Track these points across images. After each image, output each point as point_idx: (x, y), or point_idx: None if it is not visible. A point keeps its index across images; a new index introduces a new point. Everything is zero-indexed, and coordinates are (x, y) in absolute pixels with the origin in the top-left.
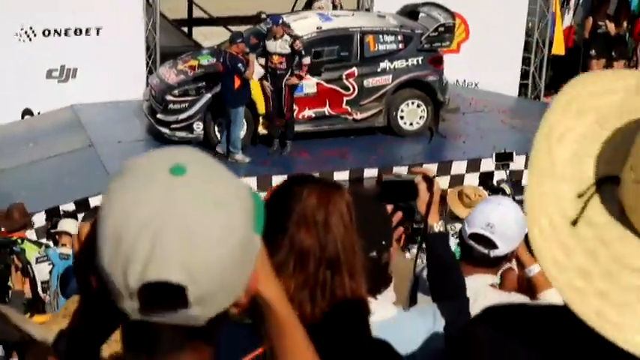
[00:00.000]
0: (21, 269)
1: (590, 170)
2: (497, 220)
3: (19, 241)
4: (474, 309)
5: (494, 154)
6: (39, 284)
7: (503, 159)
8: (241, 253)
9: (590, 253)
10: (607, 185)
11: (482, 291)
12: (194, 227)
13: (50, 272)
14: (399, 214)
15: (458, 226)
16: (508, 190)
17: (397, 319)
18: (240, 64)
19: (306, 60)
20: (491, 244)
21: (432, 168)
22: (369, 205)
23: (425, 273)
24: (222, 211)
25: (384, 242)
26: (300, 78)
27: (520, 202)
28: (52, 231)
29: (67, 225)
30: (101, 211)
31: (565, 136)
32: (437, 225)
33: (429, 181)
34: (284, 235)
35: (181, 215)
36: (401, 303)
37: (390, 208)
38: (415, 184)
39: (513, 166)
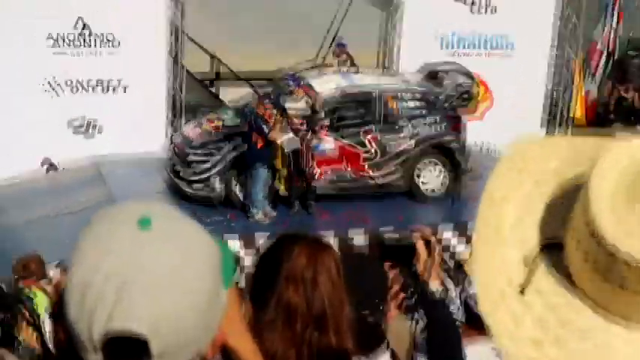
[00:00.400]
0: (27, 319)
1: (534, 235)
2: None
3: (29, 291)
4: None
5: None
6: (47, 335)
7: None
8: (206, 308)
9: (539, 321)
10: (551, 250)
11: (484, 356)
12: (159, 281)
13: None
14: (395, 272)
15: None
16: None
17: None
18: (264, 125)
19: (325, 121)
20: None
21: (447, 228)
22: (365, 264)
23: (424, 336)
24: (187, 266)
25: (377, 300)
26: (318, 138)
27: None
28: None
29: None
30: (71, 262)
31: (507, 199)
32: (436, 288)
33: (428, 242)
34: (272, 292)
35: (147, 269)
36: None
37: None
38: (415, 246)
39: None
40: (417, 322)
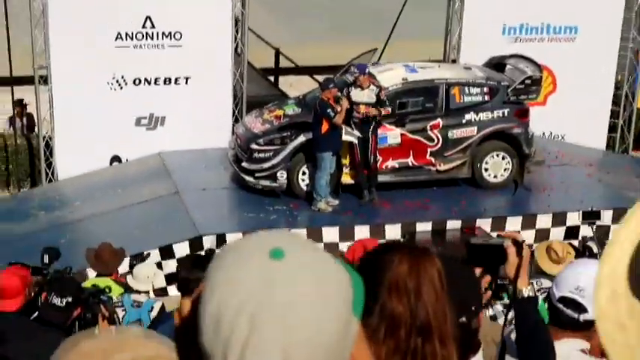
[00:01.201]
0: (107, 318)
1: None
2: (586, 283)
3: (107, 289)
4: None
5: (581, 212)
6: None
7: (590, 217)
8: (339, 339)
9: None
10: None
11: (572, 356)
12: (293, 314)
13: (122, 318)
14: (487, 278)
15: (544, 281)
16: (595, 249)
17: None
18: (329, 110)
19: (388, 109)
20: (581, 308)
21: (516, 221)
22: (458, 269)
23: (513, 337)
24: (320, 296)
25: (473, 308)
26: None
27: None
28: (129, 283)
29: (140, 281)
30: (203, 290)
31: None
32: (526, 289)
33: (519, 245)
34: (375, 301)
35: (280, 302)
36: None
37: (478, 270)
38: (504, 248)
39: (600, 223)
40: (508, 324)
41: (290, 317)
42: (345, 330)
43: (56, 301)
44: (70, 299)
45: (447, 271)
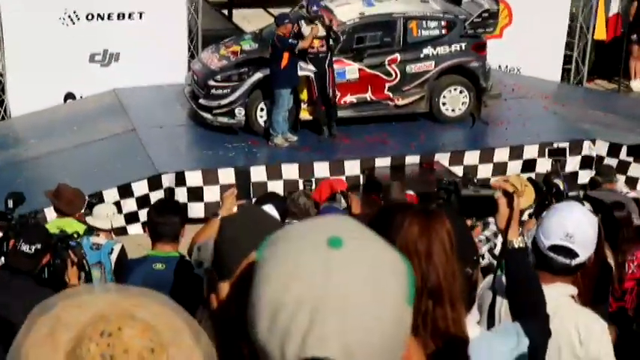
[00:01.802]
0: (76, 264)
1: None
2: (574, 228)
3: (76, 234)
4: (554, 322)
5: (547, 150)
6: (97, 281)
7: (557, 154)
8: (395, 328)
9: None
10: None
11: (562, 303)
12: (352, 305)
13: None
14: (477, 229)
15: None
16: (561, 186)
17: (482, 339)
18: (290, 40)
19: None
20: (572, 254)
21: (474, 155)
22: (456, 221)
23: (503, 288)
24: (379, 287)
25: (475, 257)
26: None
27: (574, 198)
28: (88, 221)
29: (100, 219)
30: (255, 279)
31: None
32: (517, 240)
33: (509, 196)
34: None
35: (340, 292)
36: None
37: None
38: (495, 199)
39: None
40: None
41: (349, 307)
42: (400, 319)
43: (25, 248)
44: (38, 246)
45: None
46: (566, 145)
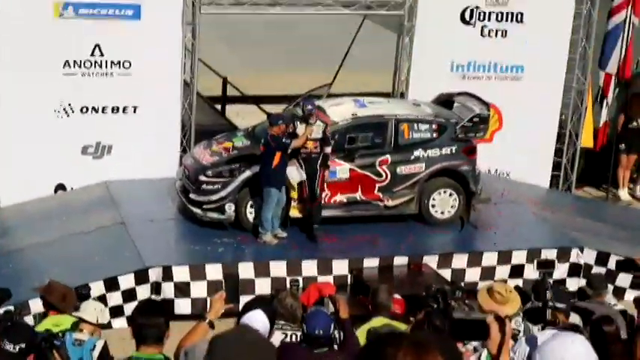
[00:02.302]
0: None
1: None
2: (572, 358)
3: (60, 334)
4: None
5: (535, 262)
6: None
7: (545, 267)
8: None
9: None
10: None
11: None
12: None
13: None
14: (467, 352)
15: None
16: (549, 295)
17: None
18: (284, 139)
19: (328, 149)
20: None
21: (462, 258)
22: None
23: None
24: None
25: None
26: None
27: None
28: (74, 314)
29: (87, 313)
30: None
31: None
32: None
33: (501, 321)
34: None
35: None
36: None
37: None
38: (487, 323)
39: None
40: None
41: None
42: None
43: (9, 347)
44: (23, 345)
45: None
46: (554, 257)
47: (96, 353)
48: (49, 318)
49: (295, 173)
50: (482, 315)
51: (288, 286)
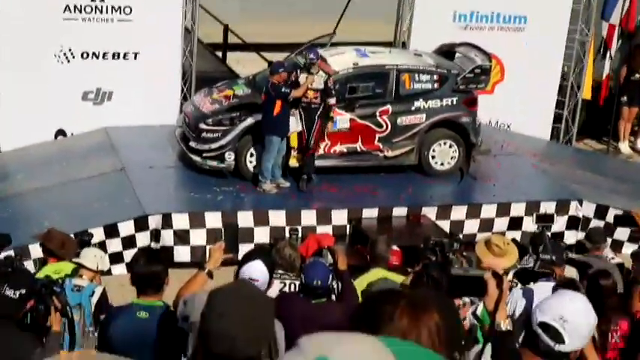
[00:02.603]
0: (60, 310)
1: None
2: (571, 315)
3: (60, 280)
4: None
5: (534, 216)
6: (76, 324)
7: (544, 220)
8: None
9: None
10: None
11: None
12: None
13: None
14: (465, 309)
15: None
16: (541, 249)
17: None
18: (284, 89)
19: (332, 100)
20: (559, 339)
21: (461, 210)
22: (445, 305)
23: None
24: None
25: (463, 342)
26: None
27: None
28: (74, 260)
29: (87, 259)
30: None
31: None
32: (504, 323)
33: (499, 277)
34: None
35: None
36: None
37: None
38: (484, 280)
39: (543, 211)
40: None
41: None
42: None
43: (9, 292)
44: (23, 291)
45: (435, 305)
46: (553, 209)
47: (94, 299)
48: (49, 265)
49: (293, 123)
50: (479, 271)
51: (287, 235)
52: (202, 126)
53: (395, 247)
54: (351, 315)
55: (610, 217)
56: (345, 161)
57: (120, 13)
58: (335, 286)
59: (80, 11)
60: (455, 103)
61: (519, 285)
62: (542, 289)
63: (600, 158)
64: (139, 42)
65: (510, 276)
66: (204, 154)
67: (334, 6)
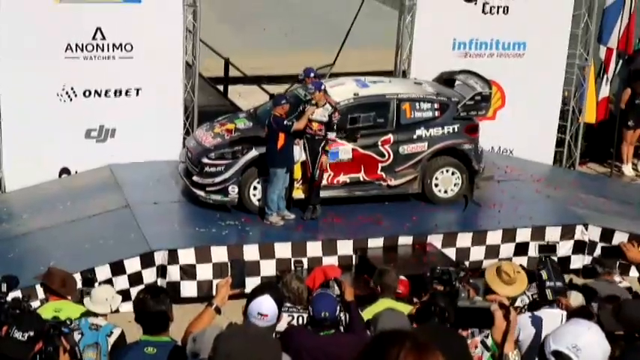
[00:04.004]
0: (69, 351)
1: None
2: (585, 344)
3: (69, 321)
4: None
5: (537, 245)
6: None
7: (547, 251)
8: None
9: None
10: None
11: None
12: None
13: (79, 341)
14: (475, 341)
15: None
16: (545, 276)
17: None
18: (286, 121)
19: (332, 135)
20: None
21: (466, 237)
22: (452, 338)
23: None
24: None
25: None
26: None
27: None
28: (88, 307)
29: (98, 304)
30: None
31: None
32: (512, 354)
33: (506, 308)
34: None
35: None
36: None
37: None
38: (491, 311)
39: (549, 238)
40: None
41: None
42: None
43: (17, 335)
44: (31, 333)
45: (443, 342)
46: (558, 234)
47: (112, 339)
48: (50, 303)
49: (297, 152)
50: (486, 303)
51: (292, 267)
52: (205, 160)
53: (401, 277)
54: (357, 356)
55: (617, 240)
56: (349, 191)
57: (121, 50)
58: (343, 318)
59: (82, 50)
60: (456, 130)
61: (527, 312)
62: (550, 316)
63: (604, 181)
64: (140, 78)
65: (519, 301)
66: (207, 189)
67: (333, 36)
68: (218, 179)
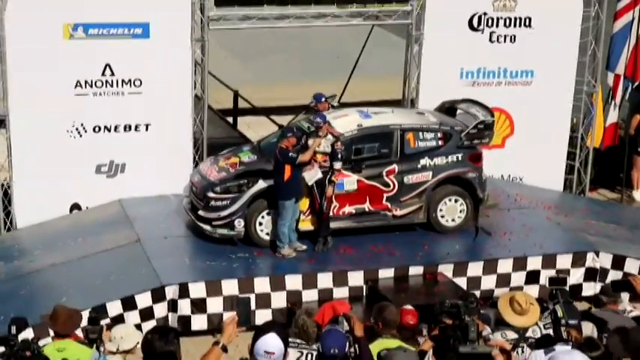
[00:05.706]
0: None
1: None
2: None
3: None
4: None
5: (547, 279)
6: None
7: (557, 284)
8: None
9: None
10: None
11: None
12: None
13: None
14: None
15: (509, 333)
16: (560, 313)
17: None
18: (291, 154)
19: (337, 165)
20: None
21: (477, 266)
22: None
23: None
24: None
25: None
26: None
27: (572, 326)
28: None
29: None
30: None
31: None
32: None
33: (507, 354)
34: None
35: None
36: None
37: None
38: (492, 357)
39: (560, 266)
40: None
41: None
42: None
43: None
44: None
45: None
46: (569, 261)
47: None
48: (52, 343)
49: (313, 173)
50: (487, 348)
51: (304, 299)
52: (210, 194)
53: (409, 307)
54: None
55: (628, 268)
56: (354, 222)
57: (130, 85)
58: (352, 354)
59: (91, 86)
60: (460, 159)
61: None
62: (566, 355)
63: (615, 208)
64: (149, 113)
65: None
66: (213, 223)
67: (342, 66)
68: (224, 213)
